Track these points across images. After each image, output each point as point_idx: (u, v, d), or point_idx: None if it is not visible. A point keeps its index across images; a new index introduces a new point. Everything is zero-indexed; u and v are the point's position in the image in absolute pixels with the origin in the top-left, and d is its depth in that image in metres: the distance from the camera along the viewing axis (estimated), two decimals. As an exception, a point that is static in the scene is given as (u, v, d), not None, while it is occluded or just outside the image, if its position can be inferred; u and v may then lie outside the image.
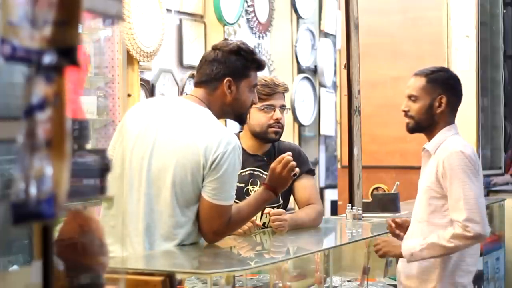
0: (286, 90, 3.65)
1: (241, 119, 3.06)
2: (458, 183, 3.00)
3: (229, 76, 2.91)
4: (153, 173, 2.81)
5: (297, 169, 3.06)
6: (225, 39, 3.10)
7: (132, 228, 2.80)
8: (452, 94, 3.18)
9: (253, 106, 3.49)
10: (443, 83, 3.17)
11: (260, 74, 3.53)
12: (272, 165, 3.05)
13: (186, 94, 3.22)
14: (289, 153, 3.14)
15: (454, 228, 2.95)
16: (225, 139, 2.80)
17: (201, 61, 2.99)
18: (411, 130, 3.22)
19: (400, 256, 3.09)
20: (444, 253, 3.02)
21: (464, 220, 2.94)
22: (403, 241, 3.10)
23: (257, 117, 3.56)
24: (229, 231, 2.97)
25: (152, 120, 2.89)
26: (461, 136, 3.20)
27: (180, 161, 2.78)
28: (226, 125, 5.41)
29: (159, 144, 2.83)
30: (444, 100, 3.14)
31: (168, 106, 2.98)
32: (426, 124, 3.17)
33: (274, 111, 3.56)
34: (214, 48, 2.99)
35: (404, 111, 3.20)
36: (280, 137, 3.64)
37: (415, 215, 3.17)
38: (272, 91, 3.56)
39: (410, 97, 3.19)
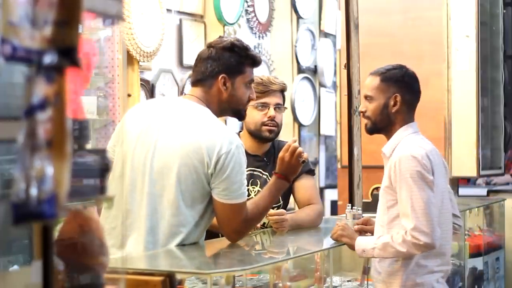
0: (283, 89, 3.65)
1: (240, 115, 3.06)
2: (406, 190, 2.93)
3: (223, 72, 2.92)
4: (156, 172, 2.81)
5: (305, 155, 3.07)
6: (220, 37, 3.09)
7: (135, 227, 2.80)
8: (407, 92, 3.11)
9: (248, 104, 3.51)
10: (397, 81, 3.10)
11: (260, 74, 3.53)
12: (280, 154, 3.06)
13: (185, 94, 3.22)
14: (295, 138, 3.17)
15: (406, 235, 2.90)
16: (228, 138, 2.81)
17: (196, 60, 3.00)
18: (369, 131, 3.15)
19: (352, 248, 3.06)
20: (396, 256, 2.98)
21: (412, 230, 2.88)
22: (359, 237, 3.07)
23: (251, 115, 3.56)
24: (250, 227, 3.00)
25: (153, 120, 2.89)
26: (419, 134, 3.12)
27: (184, 160, 2.79)
28: (226, 124, 5.42)
29: (161, 144, 2.83)
30: (398, 99, 3.07)
31: (168, 106, 2.98)
32: (383, 124, 3.10)
33: (268, 109, 3.56)
34: (209, 46, 3.00)
35: (362, 112, 3.14)
36: (276, 136, 3.63)
37: (377, 218, 3.12)
38: (266, 89, 3.56)
39: (366, 97, 3.13)
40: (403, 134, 3.07)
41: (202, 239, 2.94)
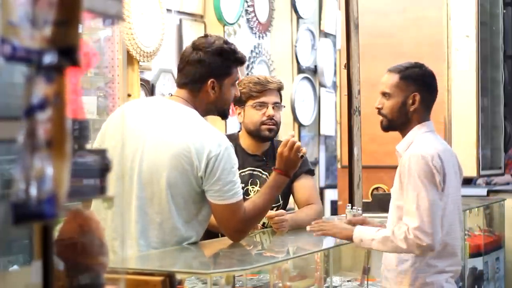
0: (280, 87, 3.64)
1: (224, 115, 3.05)
2: (414, 188, 2.91)
3: (212, 77, 2.90)
4: (144, 175, 2.79)
5: (304, 149, 3.08)
6: (205, 35, 3.04)
7: (125, 230, 2.78)
8: (426, 91, 3.09)
9: (246, 104, 3.53)
10: (417, 80, 3.08)
11: (257, 74, 3.52)
12: (279, 149, 3.06)
13: (171, 95, 3.17)
14: (293, 133, 3.18)
15: (408, 233, 2.87)
16: (217, 141, 2.79)
17: (182, 61, 2.95)
18: (385, 128, 3.13)
19: (350, 238, 3.01)
20: (394, 251, 2.97)
21: (414, 229, 2.86)
22: (358, 226, 3.03)
23: (250, 115, 3.56)
24: (250, 225, 2.98)
25: (139, 122, 2.86)
26: (434, 133, 3.11)
27: (173, 162, 2.77)
28: (226, 125, 5.42)
29: (149, 146, 2.80)
30: (417, 98, 3.05)
31: (154, 108, 2.95)
32: (399, 122, 3.08)
33: (267, 108, 3.56)
34: (195, 48, 2.94)
35: (378, 108, 3.11)
36: (275, 134, 3.63)
37: (388, 218, 3.11)
38: (263, 88, 3.56)
39: (383, 94, 3.10)
40: (418, 133, 3.06)
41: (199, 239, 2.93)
